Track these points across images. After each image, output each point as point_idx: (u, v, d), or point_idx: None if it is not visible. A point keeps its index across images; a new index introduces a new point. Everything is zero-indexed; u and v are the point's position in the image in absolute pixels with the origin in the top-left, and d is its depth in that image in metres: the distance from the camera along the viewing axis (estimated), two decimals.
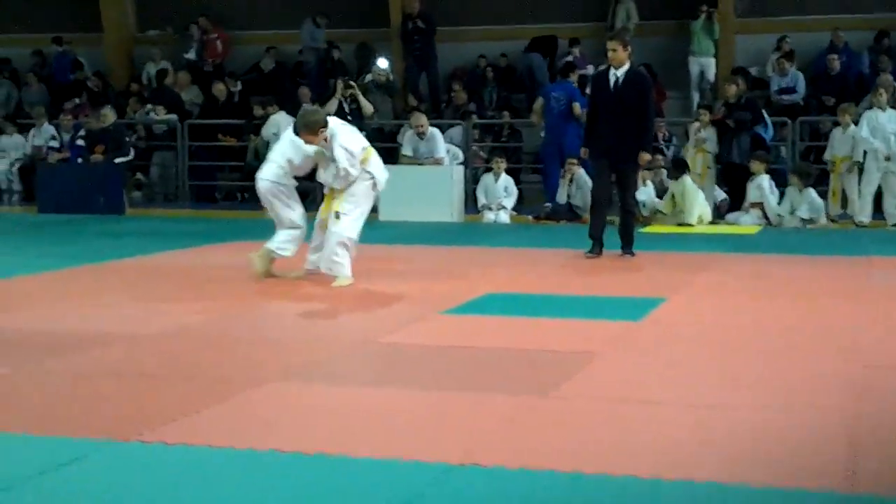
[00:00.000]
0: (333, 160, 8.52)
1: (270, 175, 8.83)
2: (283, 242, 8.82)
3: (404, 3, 19.53)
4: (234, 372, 5.59)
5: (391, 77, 17.92)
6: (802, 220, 14.01)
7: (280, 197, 8.83)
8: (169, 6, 21.12)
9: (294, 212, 8.88)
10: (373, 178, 8.75)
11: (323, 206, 8.84)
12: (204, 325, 6.92)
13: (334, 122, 8.75)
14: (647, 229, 13.56)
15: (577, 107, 15.08)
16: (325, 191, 8.83)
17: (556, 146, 15.19)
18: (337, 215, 8.54)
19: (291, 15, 19.95)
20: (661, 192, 14.60)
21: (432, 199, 14.50)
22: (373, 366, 5.94)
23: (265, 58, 19.83)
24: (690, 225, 13.78)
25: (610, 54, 10.30)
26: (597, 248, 10.42)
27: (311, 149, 8.65)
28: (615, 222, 10.65)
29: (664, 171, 14.79)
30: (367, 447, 4.19)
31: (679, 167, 14.27)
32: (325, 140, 8.53)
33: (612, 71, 10.27)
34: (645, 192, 14.33)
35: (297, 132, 8.65)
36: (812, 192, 14.10)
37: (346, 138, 8.60)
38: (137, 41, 21.54)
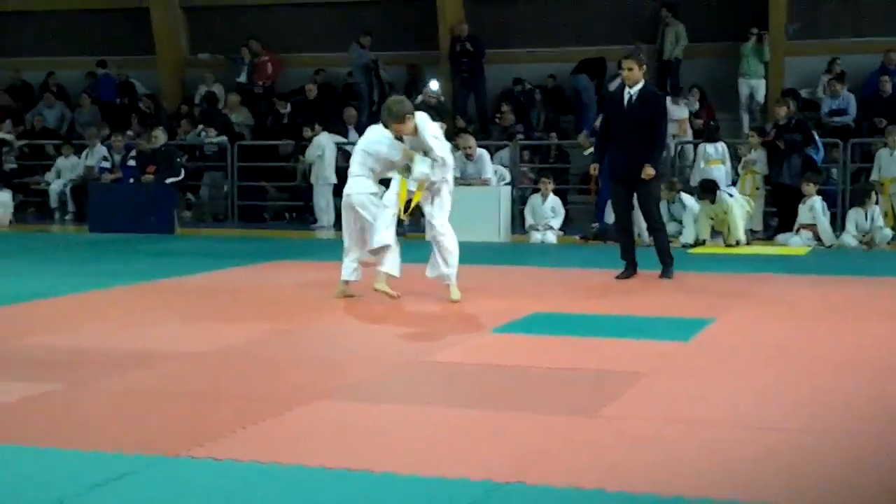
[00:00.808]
0: (425, 152, 8.53)
1: (361, 189, 8.85)
2: (393, 264, 8.73)
3: (453, 26, 19.61)
4: (282, 390, 5.62)
5: (442, 99, 17.99)
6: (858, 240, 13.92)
7: (373, 206, 8.82)
8: (220, 30, 21.35)
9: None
10: (446, 179, 8.77)
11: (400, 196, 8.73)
12: (252, 344, 6.96)
13: (418, 114, 8.75)
14: (696, 250, 13.47)
15: None
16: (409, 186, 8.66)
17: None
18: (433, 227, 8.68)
19: (340, 37, 20.09)
20: (673, 213, 14.39)
21: (480, 220, 14.51)
22: (420, 384, 5.95)
23: (312, 81, 20.00)
24: (740, 240, 13.67)
25: (625, 73, 10.31)
26: (628, 270, 10.36)
27: (395, 152, 8.64)
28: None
29: (681, 193, 14.55)
30: (413, 465, 4.19)
31: (708, 189, 14.08)
32: (413, 131, 8.54)
33: (626, 90, 10.30)
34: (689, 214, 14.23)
35: (385, 125, 8.65)
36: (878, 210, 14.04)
37: (432, 128, 8.66)
38: (189, 64, 21.79)
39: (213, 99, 19.76)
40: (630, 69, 10.25)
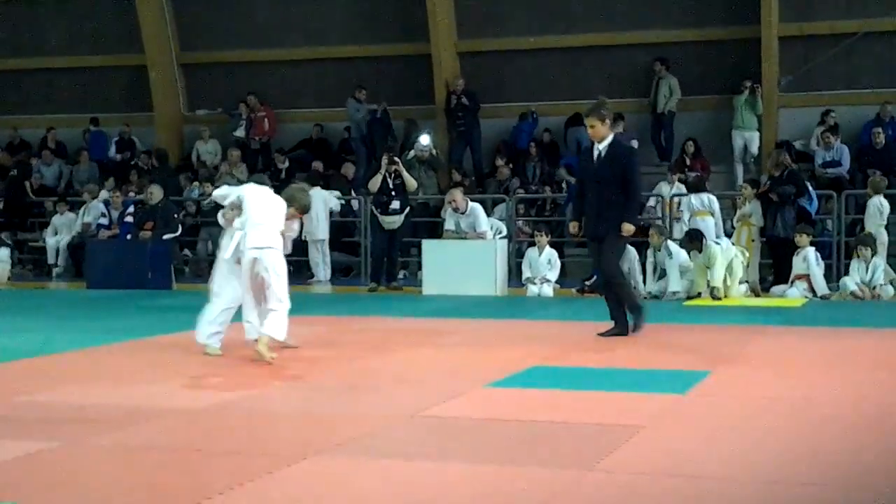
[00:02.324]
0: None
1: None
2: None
3: (449, 81, 19.78)
4: (278, 446, 5.61)
5: (434, 152, 18.11)
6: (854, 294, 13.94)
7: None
8: (218, 86, 21.52)
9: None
10: None
11: None
12: (248, 399, 6.95)
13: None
14: (691, 303, 13.50)
15: None
16: None
17: None
18: None
19: (337, 92, 20.26)
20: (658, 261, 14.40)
21: (476, 273, 14.57)
22: (417, 439, 5.94)
23: (310, 134, 20.17)
24: (716, 287, 13.59)
25: (589, 131, 10.01)
26: (615, 328, 9.99)
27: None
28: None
29: (668, 241, 14.52)
30: None
31: (694, 239, 14.09)
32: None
33: (595, 146, 9.96)
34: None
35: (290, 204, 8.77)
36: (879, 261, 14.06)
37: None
38: (187, 120, 21.93)
39: (214, 162, 20.01)
40: (592, 126, 9.88)
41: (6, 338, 10.12)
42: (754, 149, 18.56)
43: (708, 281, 13.78)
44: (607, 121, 9.90)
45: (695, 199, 15.75)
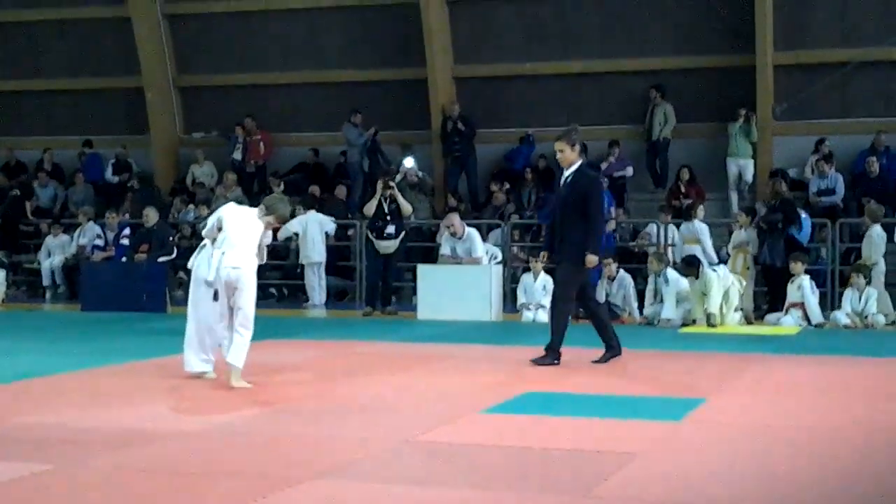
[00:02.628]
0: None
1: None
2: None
3: (444, 106, 19.83)
4: (274, 469, 5.60)
5: (419, 175, 18.11)
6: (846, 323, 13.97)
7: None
8: (214, 109, 21.55)
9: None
10: None
11: None
12: (244, 422, 6.94)
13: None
14: (686, 329, 13.51)
15: (610, 210, 15.34)
16: None
17: None
18: None
19: (333, 117, 20.30)
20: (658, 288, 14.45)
21: (471, 298, 14.57)
22: (411, 464, 5.93)
23: (306, 159, 20.21)
24: (713, 314, 13.61)
25: (558, 155, 10.00)
26: (608, 352, 10.00)
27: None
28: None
29: (668, 268, 14.57)
30: None
31: (691, 265, 14.13)
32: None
33: (563, 172, 10.00)
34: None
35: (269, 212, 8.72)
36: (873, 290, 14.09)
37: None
38: (183, 143, 21.96)
39: (209, 186, 20.08)
40: (561, 150, 9.88)
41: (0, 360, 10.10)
42: (749, 176, 18.61)
43: (704, 308, 13.77)
44: (576, 147, 9.92)
45: (685, 227, 15.80)
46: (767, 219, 14.83)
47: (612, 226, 15.79)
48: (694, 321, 13.88)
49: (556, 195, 10.21)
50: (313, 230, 16.88)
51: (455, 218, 15.47)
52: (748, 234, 15.16)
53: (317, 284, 17.10)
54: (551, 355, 9.74)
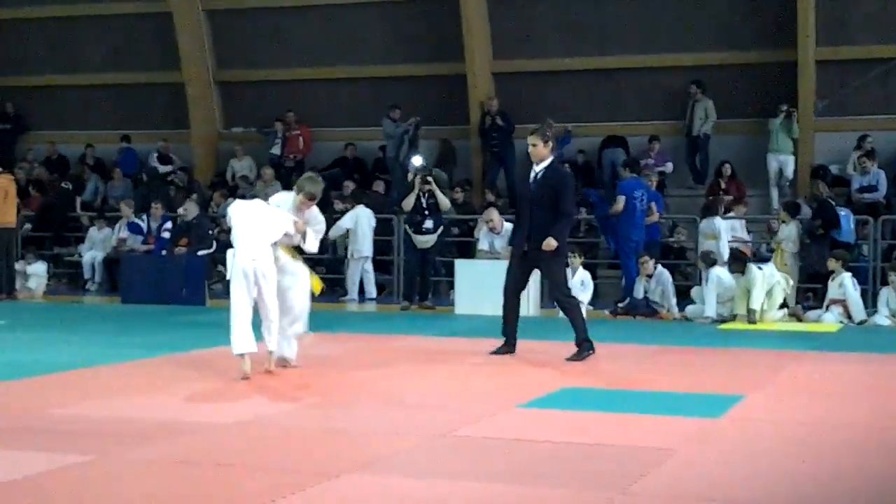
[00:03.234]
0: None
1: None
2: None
3: (483, 101, 19.80)
4: (309, 463, 5.61)
5: (433, 170, 18.05)
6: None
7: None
8: (253, 104, 21.64)
9: None
10: None
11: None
12: (280, 416, 6.96)
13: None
14: (726, 326, 13.42)
15: (653, 206, 15.26)
16: None
17: (637, 242, 15.17)
18: None
19: (371, 112, 20.32)
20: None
21: None
22: (448, 459, 5.92)
23: (344, 153, 20.24)
24: (753, 310, 13.50)
25: (530, 149, 9.91)
26: (506, 346, 10.01)
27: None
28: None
29: (714, 267, 14.46)
30: None
31: (738, 260, 14.04)
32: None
33: (533, 167, 9.94)
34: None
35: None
36: None
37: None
38: (222, 137, 22.06)
39: (247, 180, 20.13)
40: (534, 145, 9.82)
41: (41, 351, 10.19)
42: (789, 172, 18.45)
43: (748, 305, 13.67)
44: (550, 143, 9.89)
45: (704, 223, 15.68)
46: (808, 227, 14.83)
47: (654, 218, 15.70)
48: (734, 317, 13.78)
49: (523, 190, 10.11)
50: (363, 224, 16.94)
51: (494, 213, 15.46)
52: (789, 231, 15.04)
53: (367, 279, 17.17)
54: (585, 346, 9.72)
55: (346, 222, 16.76)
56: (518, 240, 10.14)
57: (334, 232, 16.38)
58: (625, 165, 16.21)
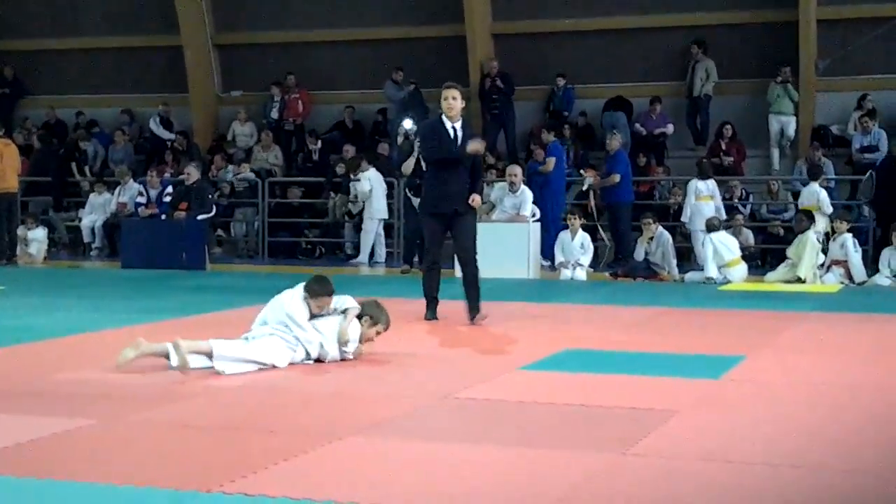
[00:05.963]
0: None
1: None
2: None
3: (483, 63, 19.72)
4: (313, 425, 5.63)
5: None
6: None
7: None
8: (252, 67, 21.56)
9: None
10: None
11: None
12: (284, 379, 6.98)
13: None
14: (726, 287, 13.44)
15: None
16: None
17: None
18: None
19: (370, 75, 20.25)
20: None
21: (509, 256, 14.53)
22: (451, 421, 5.94)
23: (343, 117, 20.19)
24: (801, 279, 13.62)
25: (451, 102, 9.54)
26: (433, 307, 9.93)
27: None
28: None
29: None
30: (446, 502, 4.19)
31: (810, 218, 14.08)
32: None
33: (448, 123, 9.58)
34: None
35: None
36: None
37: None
38: (221, 101, 21.99)
39: (247, 145, 20.20)
40: (455, 98, 9.55)
41: (41, 317, 10.21)
42: (791, 132, 18.43)
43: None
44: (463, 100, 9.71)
45: (701, 183, 15.66)
46: (797, 220, 14.68)
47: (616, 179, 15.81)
48: (799, 279, 13.75)
49: (439, 147, 9.65)
50: (378, 186, 17.01)
51: (518, 169, 15.46)
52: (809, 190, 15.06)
53: (377, 241, 17.28)
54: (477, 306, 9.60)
55: (366, 185, 16.82)
56: (435, 200, 9.83)
57: (361, 195, 16.79)
58: (549, 129, 16.58)
